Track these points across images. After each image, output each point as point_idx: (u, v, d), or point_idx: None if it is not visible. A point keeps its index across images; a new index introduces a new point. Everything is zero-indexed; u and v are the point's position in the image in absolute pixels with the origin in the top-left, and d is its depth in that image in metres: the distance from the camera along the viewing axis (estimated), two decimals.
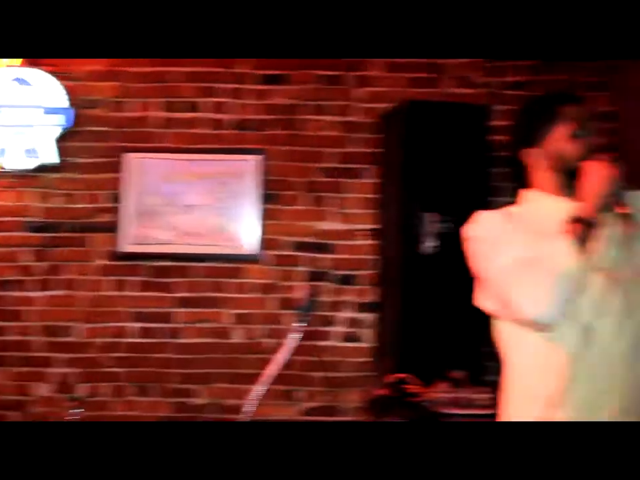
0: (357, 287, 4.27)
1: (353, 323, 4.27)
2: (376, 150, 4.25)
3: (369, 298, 4.26)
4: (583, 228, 1.95)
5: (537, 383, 2.10)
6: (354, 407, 4.21)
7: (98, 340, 4.24)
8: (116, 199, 4.26)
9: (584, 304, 2.00)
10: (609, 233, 2.07)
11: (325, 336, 4.24)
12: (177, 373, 4.24)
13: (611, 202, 1.98)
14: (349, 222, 4.27)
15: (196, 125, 4.33)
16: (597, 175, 1.98)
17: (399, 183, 3.81)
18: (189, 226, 4.24)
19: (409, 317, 3.74)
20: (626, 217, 1.99)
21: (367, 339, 4.25)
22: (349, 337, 4.26)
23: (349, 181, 4.30)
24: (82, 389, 4.20)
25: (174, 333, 4.25)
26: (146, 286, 4.26)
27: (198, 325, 4.25)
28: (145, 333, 4.25)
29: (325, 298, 4.25)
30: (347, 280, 4.28)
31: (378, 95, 4.31)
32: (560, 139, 2.11)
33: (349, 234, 4.28)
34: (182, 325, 4.26)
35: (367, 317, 4.26)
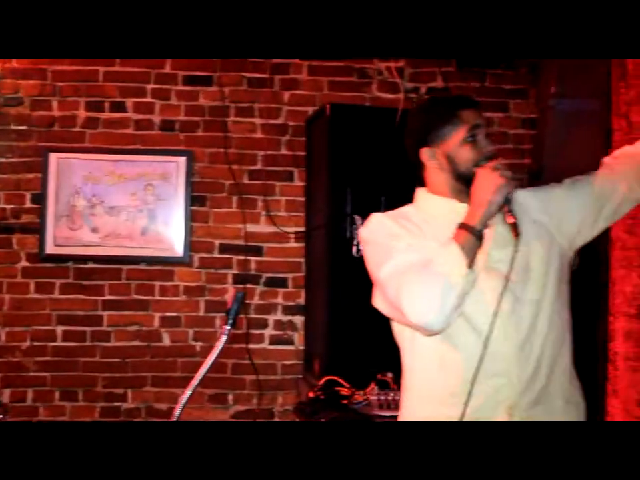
0: (287, 289, 4.28)
1: (283, 325, 4.27)
2: (303, 153, 4.27)
3: (298, 300, 4.27)
4: (468, 236, 1.98)
5: (433, 384, 2.14)
6: (285, 410, 4.22)
7: (22, 344, 4.14)
8: (39, 199, 4.17)
9: (477, 306, 2.04)
10: (497, 237, 2.11)
11: (255, 339, 4.24)
12: (105, 377, 4.18)
13: (500, 210, 2.03)
14: (278, 224, 4.27)
15: (121, 125, 4.26)
16: (486, 184, 2.01)
17: (326, 185, 3.83)
18: (114, 228, 4.18)
19: (337, 319, 3.76)
20: (513, 226, 2.03)
21: (298, 342, 4.26)
22: (280, 340, 4.27)
23: (277, 183, 4.30)
24: (6, 394, 4.09)
25: (101, 336, 4.18)
26: (71, 288, 4.19)
27: (126, 328, 4.20)
28: (72, 336, 4.17)
29: (254, 301, 4.24)
30: (276, 282, 4.28)
31: (305, 98, 4.31)
32: (455, 142, 2.12)
33: (278, 236, 4.28)
34: (110, 329, 4.19)
35: (297, 319, 4.27)
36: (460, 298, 1.96)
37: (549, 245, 2.13)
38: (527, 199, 2.18)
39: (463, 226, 2.00)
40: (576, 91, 3.97)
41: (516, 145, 4.38)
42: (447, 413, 2.04)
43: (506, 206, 2.03)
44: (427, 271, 1.97)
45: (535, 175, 4.25)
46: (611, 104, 3.16)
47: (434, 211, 2.19)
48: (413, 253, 2.04)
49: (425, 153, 2.17)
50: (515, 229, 2.02)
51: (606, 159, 2.27)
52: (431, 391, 2.14)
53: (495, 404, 2.04)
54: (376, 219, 2.22)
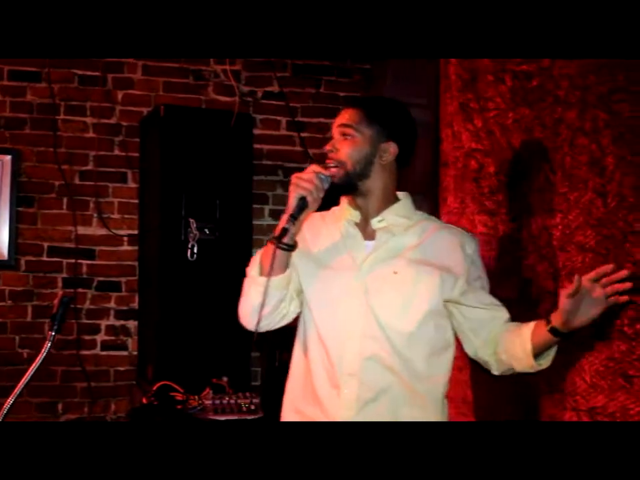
0: (120, 293, 4.18)
1: (116, 330, 4.17)
2: (137, 154, 4.19)
3: (132, 305, 4.19)
4: (269, 243, 2.06)
5: (296, 385, 2.19)
6: (117, 417, 4.12)
7: None
8: None
9: (331, 305, 2.10)
10: (353, 242, 2.17)
11: (87, 345, 4.12)
12: None
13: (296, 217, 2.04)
14: (111, 227, 4.17)
15: None
16: (290, 191, 2.07)
17: (159, 188, 3.78)
18: None
19: (170, 323, 3.72)
20: (282, 231, 2.04)
21: (131, 347, 4.18)
22: (112, 345, 4.17)
23: (109, 184, 4.19)
24: None
25: None
26: None
27: None
28: None
29: (86, 305, 4.12)
30: (109, 286, 4.17)
31: (139, 98, 4.24)
32: None
33: (110, 239, 4.17)
34: None
35: (131, 324, 4.18)
36: (256, 297, 2.07)
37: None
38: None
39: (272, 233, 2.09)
40: (408, 100, 4.11)
41: None
42: (310, 413, 2.14)
43: (294, 212, 2.03)
44: (247, 276, 2.16)
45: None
46: (439, 114, 3.30)
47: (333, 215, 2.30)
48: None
49: None
50: (281, 234, 2.03)
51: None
52: (294, 391, 2.23)
53: (360, 407, 2.10)
54: None
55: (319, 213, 2.24)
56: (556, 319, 1.99)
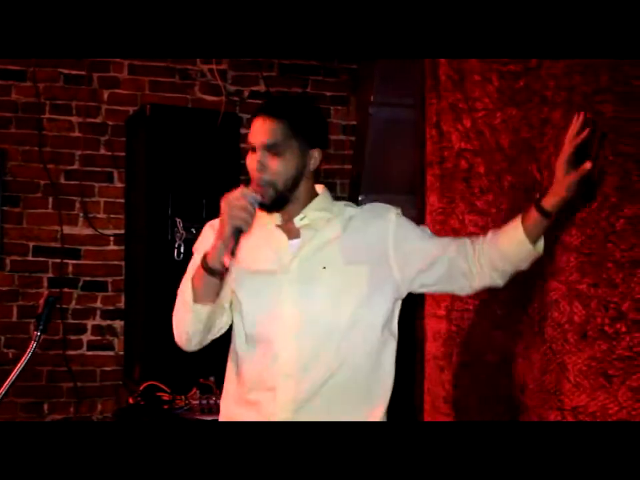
0: (106, 293, 4.18)
1: (103, 330, 4.17)
2: (123, 153, 4.19)
3: (118, 305, 4.18)
4: (201, 270, 1.99)
5: (231, 385, 2.19)
6: (104, 418, 4.12)
7: None
8: None
9: (264, 308, 2.08)
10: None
11: (73, 345, 4.11)
12: None
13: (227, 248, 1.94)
14: (96, 226, 4.16)
15: None
16: (221, 215, 1.97)
17: (145, 187, 3.78)
18: None
19: (157, 323, 3.71)
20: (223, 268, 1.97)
21: (117, 347, 4.17)
22: (99, 345, 4.16)
23: (95, 184, 4.19)
24: None
25: None
26: None
27: None
28: None
29: (72, 305, 4.11)
30: (95, 286, 4.16)
31: (125, 98, 4.23)
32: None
33: (96, 239, 4.16)
34: None
35: (117, 324, 4.18)
36: (193, 324, 2.04)
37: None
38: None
39: (203, 257, 1.99)
40: (394, 100, 4.13)
41: (336, 151, 4.50)
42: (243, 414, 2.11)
43: (231, 244, 1.93)
44: (179, 297, 2.08)
45: (355, 180, 4.39)
46: (424, 114, 3.31)
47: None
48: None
49: None
50: (221, 272, 1.97)
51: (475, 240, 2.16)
52: (230, 392, 2.20)
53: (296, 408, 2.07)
54: (202, 231, 2.21)
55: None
56: (544, 199, 2.02)
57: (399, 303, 2.18)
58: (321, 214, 2.15)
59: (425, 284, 2.16)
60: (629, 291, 2.09)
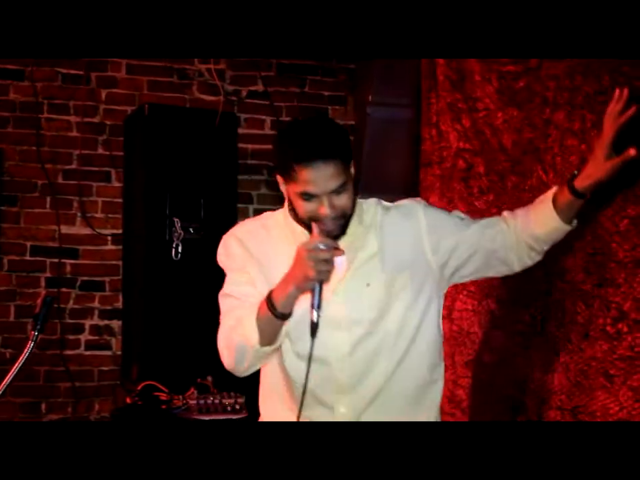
0: (104, 293, 4.17)
1: (100, 330, 4.16)
2: (121, 153, 4.17)
3: (116, 304, 4.17)
4: (268, 314, 1.95)
5: (278, 391, 2.19)
6: (101, 418, 4.11)
7: None
8: None
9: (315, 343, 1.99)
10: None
11: (70, 344, 4.10)
12: None
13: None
14: (94, 226, 4.15)
15: None
16: (298, 266, 1.89)
17: (143, 187, 3.77)
18: None
19: (155, 323, 3.72)
20: (311, 325, 1.91)
21: (115, 347, 4.16)
22: (96, 345, 4.15)
23: (93, 184, 4.18)
24: None
25: None
26: None
27: None
28: None
29: (69, 305, 4.10)
30: (93, 286, 4.15)
31: (123, 97, 4.22)
32: (293, 190, 2.02)
33: (94, 238, 4.16)
34: None
35: (115, 324, 4.17)
36: (255, 361, 2.05)
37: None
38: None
39: (269, 299, 1.95)
40: (392, 100, 4.13)
41: None
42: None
43: (313, 298, 1.89)
44: (234, 330, 2.04)
45: (354, 179, 4.38)
46: (422, 114, 3.31)
47: (280, 236, 2.16)
48: (245, 288, 2.09)
49: (278, 179, 2.10)
50: (313, 327, 1.90)
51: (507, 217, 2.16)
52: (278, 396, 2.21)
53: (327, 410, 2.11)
54: (226, 244, 2.18)
55: (259, 223, 2.21)
56: (578, 181, 1.98)
57: (442, 295, 2.20)
58: (358, 229, 2.13)
59: (464, 275, 2.19)
60: (630, 291, 2.10)
